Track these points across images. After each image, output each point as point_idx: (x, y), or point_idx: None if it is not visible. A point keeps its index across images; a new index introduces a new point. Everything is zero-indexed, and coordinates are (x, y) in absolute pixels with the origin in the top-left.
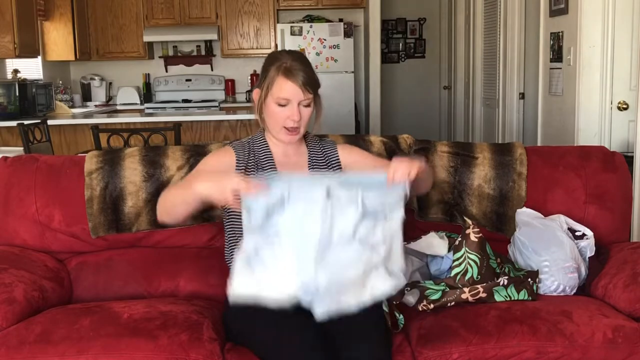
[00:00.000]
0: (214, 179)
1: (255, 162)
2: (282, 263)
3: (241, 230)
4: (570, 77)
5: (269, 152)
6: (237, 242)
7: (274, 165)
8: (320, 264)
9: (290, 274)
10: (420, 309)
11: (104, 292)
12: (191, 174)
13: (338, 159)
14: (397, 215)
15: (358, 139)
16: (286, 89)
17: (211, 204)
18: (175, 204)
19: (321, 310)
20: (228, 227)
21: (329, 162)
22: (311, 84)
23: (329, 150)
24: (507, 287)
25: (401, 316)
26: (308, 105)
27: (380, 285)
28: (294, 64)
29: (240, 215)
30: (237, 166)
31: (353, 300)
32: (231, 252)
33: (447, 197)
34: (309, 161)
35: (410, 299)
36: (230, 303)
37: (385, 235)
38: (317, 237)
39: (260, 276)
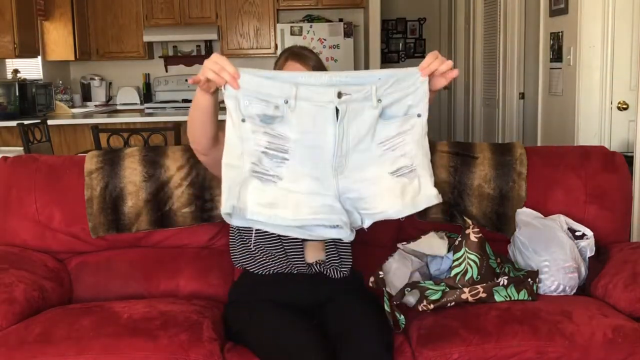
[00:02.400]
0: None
1: None
2: (294, 186)
3: (247, 230)
4: (570, 77)
5: None
6: (244, 241)
7: None
8: (340, 175)
9: (307, 195)
10: (420, 309)
11: (104, 292)
12: None
13: None
14: (422, 115)
15: None
16: (294, 67)
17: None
18: (192, 109)
19: (367, 222)
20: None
21: None
22: (320, 68)
23: None
24: (507, 287)
25: (402, 316)
26: None
27: (424, 190)
28: (302, 50)
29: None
30: None
31: (393, 206)
32: (237, 252)
33: (447, 197)
34: None
35: (410, 299)
36: (229, 222)
37: (411, 138)
38: (331, 147)
39: (272, 192)
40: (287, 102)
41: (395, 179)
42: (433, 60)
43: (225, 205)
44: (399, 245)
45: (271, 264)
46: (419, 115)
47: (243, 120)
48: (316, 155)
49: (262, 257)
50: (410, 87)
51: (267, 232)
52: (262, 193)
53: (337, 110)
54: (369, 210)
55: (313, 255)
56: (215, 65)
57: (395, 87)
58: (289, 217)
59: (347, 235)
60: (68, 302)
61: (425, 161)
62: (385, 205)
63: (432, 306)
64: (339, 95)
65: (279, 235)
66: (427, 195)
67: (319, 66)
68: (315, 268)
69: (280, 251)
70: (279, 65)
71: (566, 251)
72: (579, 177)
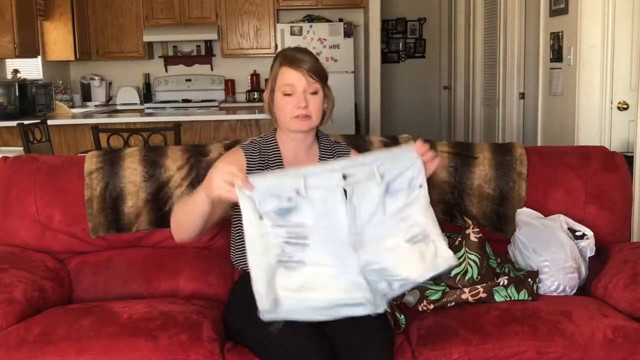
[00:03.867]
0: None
1: (264, 163)
2: (318, 268)
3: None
4: (570, 77)
5: (278, 152)
6: (244, 243)
7: (282, 163)
8: (361, 250)
9: (332, 276)
10: (420, 309)
11: (104, 292)
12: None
13: None
14: (422, 185)
15: (358, 139)
16: (289, 76)
17: (219, 204)
18: (184, 212)
19: (396, 285)
20: (235, 224)
21: None
22: (315, 71)
23: (343, 155)
24: (507, 287)
25: (402, 316)
26: (315, 93)
27: (441, 253)
28: (297, 54)
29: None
30: (247, 168)
31: (416, 271)
32: (236, 254)
33: (447, 197)
34: (319, 161)
35: (410, 299)
36: (266, 318)
37: (418, 207)
38: (346, 226)
39: (299, 277)
40: (298, 192)
41: (413, 246)
42: (423, 145)
43: (264, 302)
44: None
45: None
46: (420, 186)
47: (261, 218)
48: (334, 236)
49: None
50: (407, 162)
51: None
52: (289, 279)
53: (345, 191)
54: (394, 277)
55: None
56: (227, 176)
57: (394, 163)
58: (318, 298)
59: (372, 311)
60: (68, 302)
61: (435, 228)
62: (408, 272)
63: (432, 306)
64: (344, 177)
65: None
66: (445, 257)
67: (314, 68)
68: None
69: None
70: (274, 71)
71: (566, 251)
72: (579, 177)
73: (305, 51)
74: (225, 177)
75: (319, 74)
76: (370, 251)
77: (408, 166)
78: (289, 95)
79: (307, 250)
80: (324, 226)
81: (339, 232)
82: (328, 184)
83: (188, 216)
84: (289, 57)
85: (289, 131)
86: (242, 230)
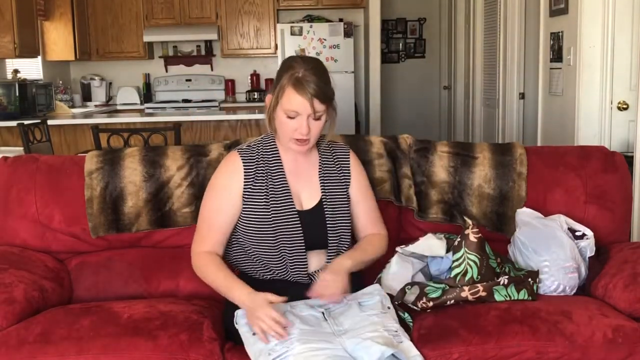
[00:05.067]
0: (250, 305)
1: (265, 169)
2: (306, 345)
3: (247, 234)
4: (570, 77)
5: (279, 158)
6: (241, 247)
7: (283, 172)
8: (344, 336)
9: (320, 350)
10: (420, 307)
11: (104, 292)
12: (205, 195)
13: (349, 168)
14: (391, 307)
15: (358, 139)
16: (295, 101)
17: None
18: (210, 281)
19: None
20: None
21: (340, 169)
22: (322, 97)
23: (342, 157)
24: (507, 287)
25: (406, 314)
26: (318, 119)
27: (412, 353)
28: (306, 75)
29: (248, 222)
30: (245, 177)
31: (389, 349)
32: (235, 255)
33: (447, 197)
34: (319, 168)
35: (411, 297)
36: None
37: (391, 315)
38: (328, 327)
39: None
40: (285, 311)
41: (390, 335)
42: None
43: None
44: (397, 249)
45: (269, 272)
46: (389, 308)
47: (254, 334)
48: (317, 331)
49: (260, 266)
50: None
51: (267, 245)
52: None
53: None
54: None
55: (316, 264)
56: (276, 327)
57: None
58: None
59: None
60: (68, 302)
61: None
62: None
63: (431, 303)
64: (323, 314)
65: (280, 249)
66: (414, 356)
67: (321, 93)
68: (315, 279)
69: (281, 264)
70: (280, 84)
71: (566, 251)
72: (579, 177)
73: (314, 68)
74: (273, 326)
75: (326, 98)
76: (352, 337)
77: (375, 293)
78: (291, 117)
79: (295, 340)
80: (307, 328)
81: (323, 329)
82: (310, 311)
83: (212, 285)
84: (298, 80)
85: (285, 147)
86: (239, 233)
